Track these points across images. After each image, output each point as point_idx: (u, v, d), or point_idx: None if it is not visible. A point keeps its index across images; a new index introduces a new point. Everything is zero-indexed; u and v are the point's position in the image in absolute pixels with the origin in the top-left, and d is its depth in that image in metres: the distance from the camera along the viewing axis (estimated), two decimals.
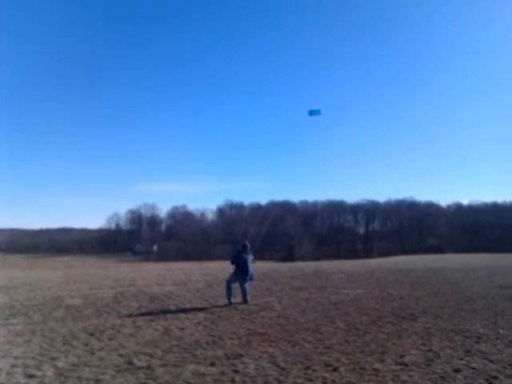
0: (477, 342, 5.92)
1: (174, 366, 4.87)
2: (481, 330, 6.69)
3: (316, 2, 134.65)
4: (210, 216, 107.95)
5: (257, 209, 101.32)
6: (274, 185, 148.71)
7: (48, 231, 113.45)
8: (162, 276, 16.98)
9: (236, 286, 9.73)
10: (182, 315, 8.07)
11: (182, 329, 6.89)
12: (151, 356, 5.26)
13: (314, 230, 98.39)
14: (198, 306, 9.19)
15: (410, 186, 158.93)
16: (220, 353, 5.42)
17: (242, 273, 9.65)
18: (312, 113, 11.76)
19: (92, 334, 6.48)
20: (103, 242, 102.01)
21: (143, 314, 8.16)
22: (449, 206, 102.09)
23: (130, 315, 8.07)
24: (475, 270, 18.93)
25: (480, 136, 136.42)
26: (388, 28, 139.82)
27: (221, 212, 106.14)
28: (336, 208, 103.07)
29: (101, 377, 4.46)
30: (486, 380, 4.36)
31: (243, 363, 4.97)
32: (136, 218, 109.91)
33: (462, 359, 5.10)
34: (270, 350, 5.60)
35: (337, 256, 69.82)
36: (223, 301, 9.57)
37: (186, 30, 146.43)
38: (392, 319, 7.65)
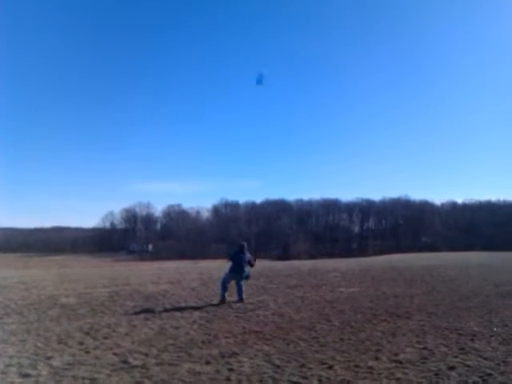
0: (471, 340, 5.98)
1: (170, 364, 4.86)
2: (475, 328, 6.75)
3: (319, 3, 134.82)
4: (206, 215, 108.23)
5: (252, 207, 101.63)
6: (270, 184, 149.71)
7: (42, 230, 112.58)
8: (156, 275, 16.89)
9: (231, 284, 9.74)
10: (177, 314, 8.05)
11: (177, 328, 6.88)
12: (146, 355, 5.25)
13: (309, 228, 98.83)
14: (193, 304, 9.17)
15: (404, 185, 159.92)
16: (215, 351, 5.42)
17: (237, 272, 9.70)
18: (258, 81, 11.96)
19: (87, 333, 6.44)
20: (98, 241, 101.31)
21: (138, 313, 8.12)
22: (443, 205, 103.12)
23: (125, 314, 8.03)
24: (469, 268, 19.12)
25: (474, 135, 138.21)
26: (387, 35, 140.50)
27: (216, 211, 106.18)
28: (331, 207, 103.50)
29: (96, 376, 4.44)
30: (481, 377, 4.39)
31: (238, 361, 4.97)
32: (131, 216, 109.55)
33: (456, 357, 5.14)
34: (265, 348, 5.61)
35: (332, 254, 70.01)
36: (218, 299, 9.56)
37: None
38: (387, 317, 7.70)
